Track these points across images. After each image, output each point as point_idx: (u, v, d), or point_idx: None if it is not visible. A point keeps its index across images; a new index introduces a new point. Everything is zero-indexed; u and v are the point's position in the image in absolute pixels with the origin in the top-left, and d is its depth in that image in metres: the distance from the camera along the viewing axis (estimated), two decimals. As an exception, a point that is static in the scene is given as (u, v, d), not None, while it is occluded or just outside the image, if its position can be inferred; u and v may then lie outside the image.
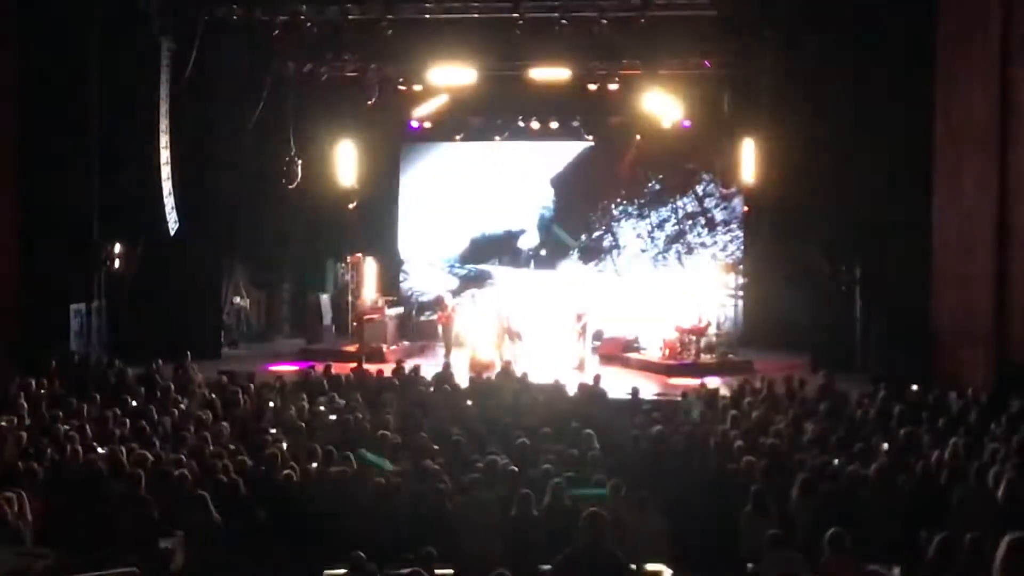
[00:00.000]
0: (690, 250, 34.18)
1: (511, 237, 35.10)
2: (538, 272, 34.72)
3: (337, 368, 22.90)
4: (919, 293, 24.69)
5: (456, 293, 33.96)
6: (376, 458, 14.15)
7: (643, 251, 34.49)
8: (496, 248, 35.15)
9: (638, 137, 33.04)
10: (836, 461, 13.95)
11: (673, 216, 34.38)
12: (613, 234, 34.70)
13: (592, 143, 33.82)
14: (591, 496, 12.25)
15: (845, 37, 24.86)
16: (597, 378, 21.39)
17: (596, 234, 34.76)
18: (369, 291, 31.35)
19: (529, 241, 35.06)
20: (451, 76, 29.35)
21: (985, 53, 22.34)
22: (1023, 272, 21.50)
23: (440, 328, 29.97)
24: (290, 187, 30.00)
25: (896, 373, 21.29)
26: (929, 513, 11.91)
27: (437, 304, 31.26)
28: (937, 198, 24.37)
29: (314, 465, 14.11)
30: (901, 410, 17.45)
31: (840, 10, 24.82)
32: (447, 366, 23.90)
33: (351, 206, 32.26)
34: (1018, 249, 21.58)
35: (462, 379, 22.61)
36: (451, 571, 10.58)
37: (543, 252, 34.92)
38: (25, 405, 17.69)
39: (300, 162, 29.85)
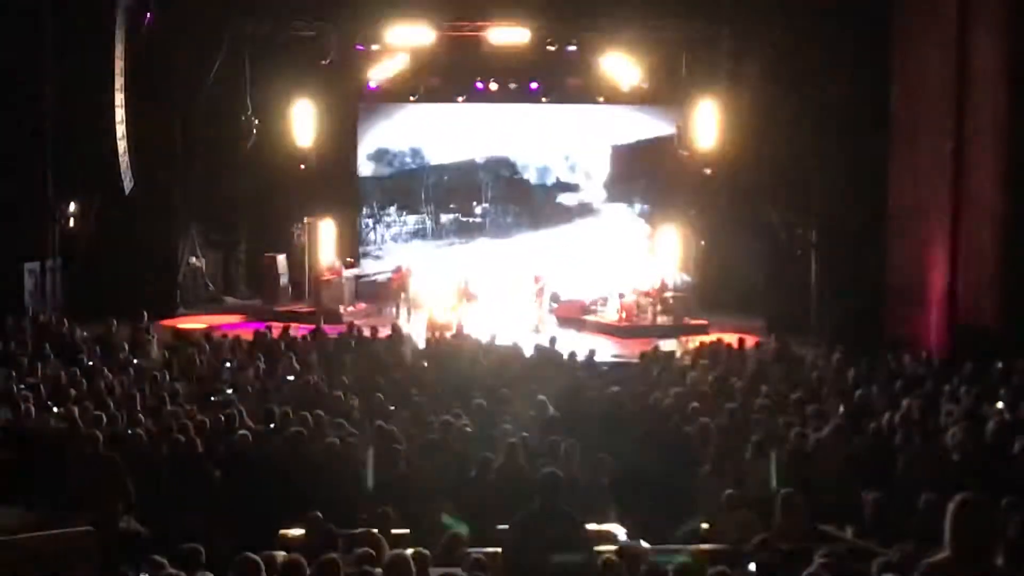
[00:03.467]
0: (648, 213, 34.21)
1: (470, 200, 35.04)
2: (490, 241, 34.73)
3: (294, 329, 22.88)
4: (875, 257, 24.83)
5: (413, 255, 33.93)
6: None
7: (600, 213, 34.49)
8: (455, 210, 35.10)
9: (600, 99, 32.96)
10: (791, 423, 14.04)
11: (631, 179, 34.44)
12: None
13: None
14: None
15: (804, 1, 24.89)
16: (553, 340, 21.47)
17: (558, 198, 34.73)
18: (327, 252, 31.29)
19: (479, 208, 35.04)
20: (409, 37, 29.20)
21: (943, 18, 22.41)
22: (978, 236, 21.67)
23: (395, 289, 30.06)
24: (246, 147, 29.81)
25: (851, 336, 21.44)
26: (882, 474, 12.01)
27: (393, 268, 31.29)
28: (893, 162, 24.48)
29: (271, 426, 14.10)
30: (856, 372, 17.60)
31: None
32: (397, 327, 23.83)
33: (302, 167, 32.00)
34: (972, 213, 21.75)
35: (420, 340, 22.65)
36: (407, 531, 10.60)
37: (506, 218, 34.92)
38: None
39: (257, 122, 29.66)
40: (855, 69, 24.65)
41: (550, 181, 34.65)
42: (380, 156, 34.89)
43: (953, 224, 22.15)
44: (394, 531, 10.38)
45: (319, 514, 10.20)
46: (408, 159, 34.82)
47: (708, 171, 30.87)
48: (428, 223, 34.97)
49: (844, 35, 24.49)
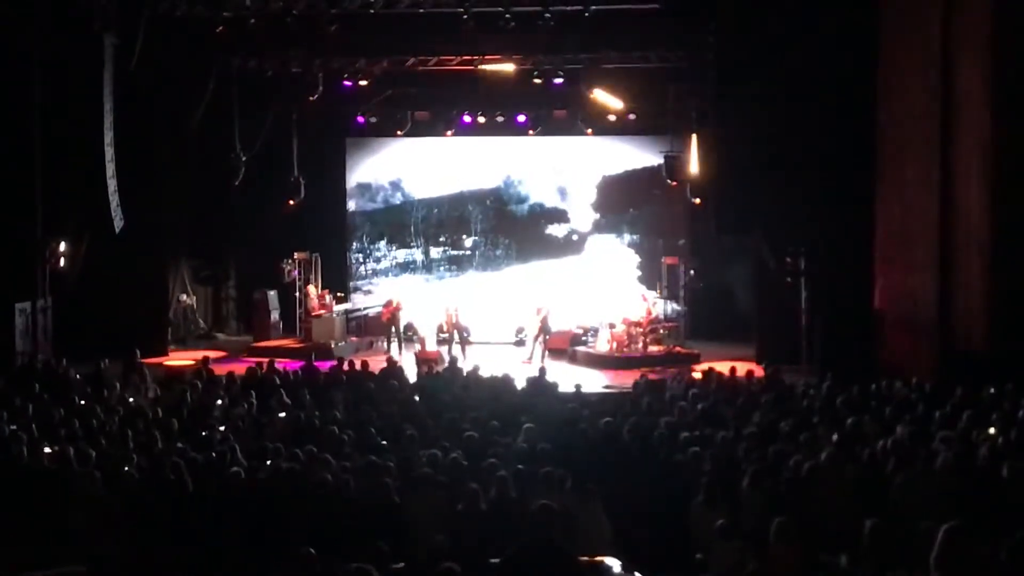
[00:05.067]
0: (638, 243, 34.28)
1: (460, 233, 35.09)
2: (480, 273, 34.78)
3: (285, 365, 22.86)
4: (864, 284, 24.88)
5: (403, 289, 33.90)
6: None
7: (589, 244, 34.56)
8: (444, 243, 35.15)
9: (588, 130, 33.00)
10: (784, 451, 14.02)
11: (620, 209, 34.53)
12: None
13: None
14: None
15: (789, 29, 24.95)
16: (542, 371, 21.51)
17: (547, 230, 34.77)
18: (316, 287, 31.33)
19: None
20: (396, 71, 29.24)
21: (927, 44, 22.49)
22: (966, 262, 21.67)
23: (386, 323, 30.08)
24: (235, 183, 29.82)
25: (842, 363, 21.44)
26: (875, 501, 12.01)
27: (383, 301, 31.30)
28: (881, 189, 24.55)
29: (264, 462, 14.07)
30: (847, 400, 17.60)
31: (783, 2, 24.95)
32: (391, 360, 23.86)
33: (291, 202, 32.06)
34: (961, 238, 21.75)
35: (410, 374, 22.65)
36: (400, 565, 10.58)
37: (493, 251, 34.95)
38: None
39: (245, 158, 29.68)
40: (840, 95, 24.73)
41: (539, 213, 34.71)
42: (368, 190, 34.98)
43: (941, 249, 22.15)
44: (388, 566, 10.35)
45: (311, 550, 10.17)
46: (396, 193, 34.91)
47: (697, 200, 30.90)
48: (418, 256, 35.02)
49: (829, 61, 24.55)
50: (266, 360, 23.44)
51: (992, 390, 17.52)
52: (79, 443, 14.70)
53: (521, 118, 32.48)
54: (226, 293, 34.28)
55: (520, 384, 20.64)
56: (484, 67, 28.88)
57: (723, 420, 16.64)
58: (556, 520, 9.19)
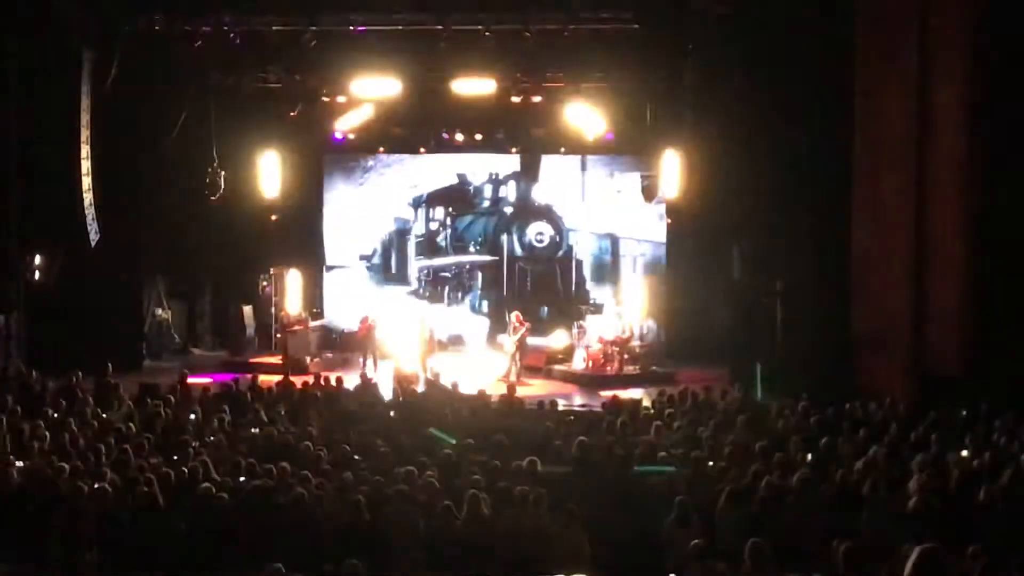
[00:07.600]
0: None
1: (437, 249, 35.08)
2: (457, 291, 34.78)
3: (260, 380, 22.79)
4: (839, 305, 24.89)
5: (380, 305, 33.82)
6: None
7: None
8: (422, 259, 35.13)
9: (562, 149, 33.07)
10: (759, 471, 14.03)
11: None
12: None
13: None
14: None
15: (766, 51, 25.02)
16: (511, 388, 21.51)
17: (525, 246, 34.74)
18: (293, 303, 31.23)
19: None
20: (375, 88, 29.22)
21: (904, 69, 22.59)
22: (941, 284, 21.76)
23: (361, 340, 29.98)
24: (212, 198, 29.70)
25: (817, 384, 21.45)
26: (849, 522, 12.04)
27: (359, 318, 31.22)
28: (856, 211, 24.60)
29: (236, 478, 14.02)
30: (821, 421, 17.63)
31: (761, 24, 25.02)
32: (366, 377, 23.81)
33: (273, 218, 31.97)
34: (935, 261, 21.85)
35: (386, 390, 22.60)
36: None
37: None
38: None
39: (223, 173, 29.55)
40: (817, 119, 24.75)
41: (516, 231, 34.62)
42: (346, 206, 34.87)
43: (916, 272, 22.24)
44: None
45: (280, 567, 10.10)
46: (373, 209, 34.81)
47: (668, 221, 30.98)
48: (395, 273, 34.95)
49: (806, 85, 24.59)
50: (241, 375, 23.42)
51: (965, 412, 17.60)
52: (51, 458, 14.64)
53: (499, 136, 32.48)
54: (201, 308, 34.14)
55: (495, 402, 20.63)
56: (461, 89, 28.79)
57: (698, 440, 16.64)
58: (528, 540, 9.18)
